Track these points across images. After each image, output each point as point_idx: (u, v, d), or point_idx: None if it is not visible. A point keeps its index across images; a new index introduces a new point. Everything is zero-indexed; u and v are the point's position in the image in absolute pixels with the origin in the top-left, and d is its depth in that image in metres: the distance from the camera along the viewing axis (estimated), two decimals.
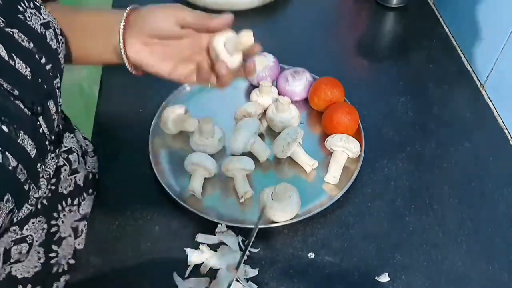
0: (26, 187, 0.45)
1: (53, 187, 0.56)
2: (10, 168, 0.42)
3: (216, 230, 0.61)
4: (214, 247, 0.60)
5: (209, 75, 0.55)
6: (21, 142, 0.43)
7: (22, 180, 0.44)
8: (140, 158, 0.69)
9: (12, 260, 0.52)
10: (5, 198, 0.41)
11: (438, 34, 0.91)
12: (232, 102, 0.77)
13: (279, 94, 0.76)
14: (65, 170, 0.59)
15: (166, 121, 0.71)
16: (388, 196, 0.66)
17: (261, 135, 0.73)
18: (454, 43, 0.89)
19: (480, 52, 0.81)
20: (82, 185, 0.62)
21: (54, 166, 0.55)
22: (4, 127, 0.41)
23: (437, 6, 0.96)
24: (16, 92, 0.44)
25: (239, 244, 0.61)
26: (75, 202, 0.61)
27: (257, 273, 0.58)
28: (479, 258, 0.60)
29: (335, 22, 0.97)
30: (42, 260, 0.56)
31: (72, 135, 0.63)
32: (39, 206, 0.54)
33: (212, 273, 0.58)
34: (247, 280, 0.57)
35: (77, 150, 0.62)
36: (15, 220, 0.50)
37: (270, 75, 0.77)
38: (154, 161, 0.67)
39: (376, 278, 0.58)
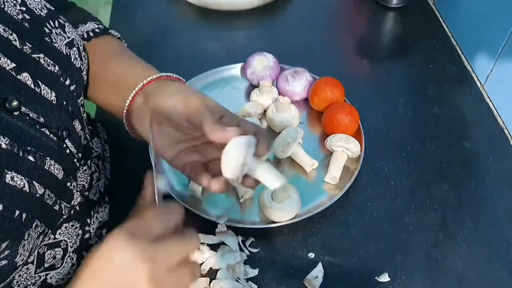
0: (56, 207, 0.46)
1: (86, 193, 0.56)
2: (37, 195, 0.42)
3: (216, 230, 0.61)
4: (214, 247, 0.60)
5: (222, 186, 0.49)
6: (47, 168, 0.44)
7: (50, 204, 0.45)
8: (140, 158, 0.69)
9: (46, 265, 0.51)
10: (34, 224, 0.42)
11: (438, 34, 0.91)
12: (232, 102, 0.76)
13: (279, 94, 0.76)
14: (96, 176, 0.59)
15: None
16: (388, 196, 0.66)
17: None
18: (454, 43, 0.89)
19: (480, 52, 0.81)
20: (103, 191, 0.62)
21: (88, 177, 0.56)
22: (30, 157, 0.42)
23: (437, 6, 0.96)
24: (41, 120, 0.44)
25: (239, 244, 0.61)
26: (101, 209, 0.61)
27: (257, 273, 0.58)
28: (479, 258, 0.60)
29: (335, 22, 0.97)
30: (75, 267, 0.55)
31: (97, 139, 0.63)
32: (72, 212, 0.53)
33: (212, 273, 0.58)
34: (247, 280, 0.57)
35: (101, 155, 0.63)
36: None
37: (270, 75, 0.77)
38: (154, 161, 0.67)
39: (376, 278, 0.58)
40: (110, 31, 0.64)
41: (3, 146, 0.39)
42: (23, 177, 0.41)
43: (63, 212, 0.48)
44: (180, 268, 0.40)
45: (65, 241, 0.53)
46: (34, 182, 0.42)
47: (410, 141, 0.73)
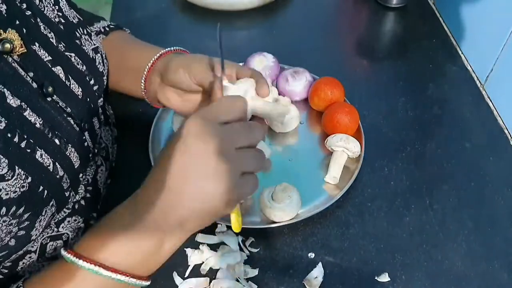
0: (67, 194, 0.50)
1: (90, 188, 0.59)
2: (58, 177, 0.46)
3: (216, 230, 0.61)
4: (214, 247, 0.60)
5: None
6: (68, 154, 0.48)
7: (65, 188, 0.48)
8: (141, 158, 0.69)
9: (47, 255, 0.54)
10: (51, 203, 0.46)
11: (438, 34, 0.91)
12: None
13: (279, 94, 0.76)
14: (101, 170, 0.62)
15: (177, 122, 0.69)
16: (388, 196, 0.66)
17: None
18: (454, 43, 0.89)
19: (480, 52, 0.81)
20: (107, 177, 0.65)
21: (93, 172, 0.59)
22: (56, 140, 0.47)
23: (437, 6, 0.96)
24: (68, 110, 0.49)
25: (239, 244, 0.61)
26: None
27: (257, 273, 0.58)
28: (479, 258, 0.60)
29: (335, 22, 0.98)
30: None
31: (107, 127, 0.67)
32: (76, 207, 0.56)
33: (212, 273, 0.58)
34: (247, 280, 0.57)
35: (111, 144, 0.66)
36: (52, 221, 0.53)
37: (270, 75, 0.77)
38: (154, 161, 0.67)
39: (376, 278, 0.58)
40: (122, 27, 0.72)
41: (37, 125, 0.44)
42: (49, 157, 0.45)
43: (70, 200, 0.52)
44: (247, 152, 0.43)
45: (67, 234, 0.55)
46: (57, 164, 0.46)
47: (410, 141, 0.73)
